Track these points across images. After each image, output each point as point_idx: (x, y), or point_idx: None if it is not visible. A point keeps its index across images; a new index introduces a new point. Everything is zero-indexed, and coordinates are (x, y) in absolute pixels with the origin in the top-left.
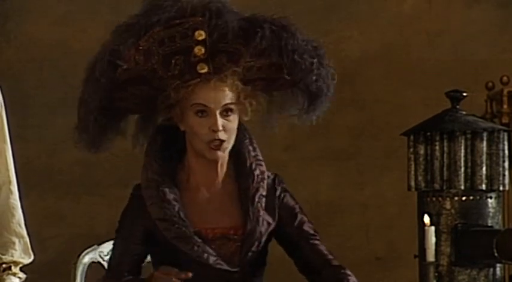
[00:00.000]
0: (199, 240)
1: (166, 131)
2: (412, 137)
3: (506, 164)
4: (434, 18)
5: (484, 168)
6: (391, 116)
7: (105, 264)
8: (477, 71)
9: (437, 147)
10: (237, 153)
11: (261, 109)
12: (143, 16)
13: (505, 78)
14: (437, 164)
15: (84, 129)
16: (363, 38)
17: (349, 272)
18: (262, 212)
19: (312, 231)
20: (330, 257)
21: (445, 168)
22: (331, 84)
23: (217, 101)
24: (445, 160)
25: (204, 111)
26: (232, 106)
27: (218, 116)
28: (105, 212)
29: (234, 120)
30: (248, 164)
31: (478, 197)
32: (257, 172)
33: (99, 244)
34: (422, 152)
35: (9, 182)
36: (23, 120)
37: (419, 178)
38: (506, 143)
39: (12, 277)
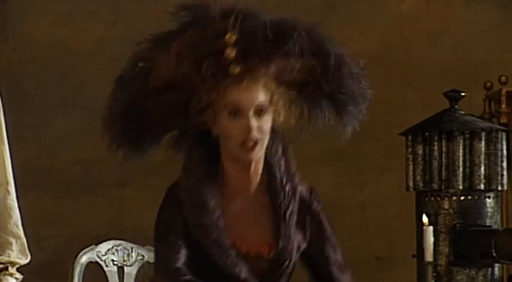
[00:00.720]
0: (234, 253)
1: (206, 139)
2: (410, 137)
3: (505, 164)
4: (433, 19)
5: (482, 168)
6: (391, 116)
7: (103, 264)
8: (477, 71)
9: (435, 147)
10: (269, 166)
11: (293, 113)
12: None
13: (503, 78)
14: (435, 163)
15: (112, 137)
16: (363, 38)
17: None
18: (293, 230)
19: (338, 260)
20: None
21: (443, 168)
22: (363, 95)
23: (249, 101)
24: (443, 160)
25: (237, 113)
26: (264, 106)
27: (251, 116)
28: (105, 212)
29: (267, 122)
30: (279, 179)
31: (476, 197)
32: (287, 188)
33: (97, 244)
34: (420, 151)
35: (7, 183)
36: (23, 120)
37: (418, 178)
38: (504, 143)
39: (9, 277)
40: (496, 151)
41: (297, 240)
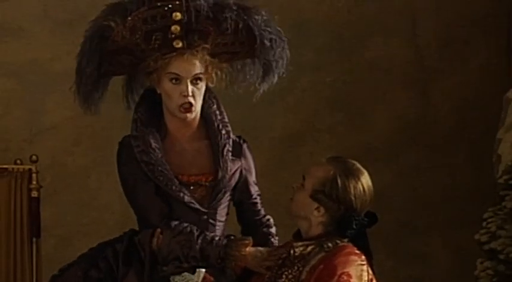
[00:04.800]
0: (177, 182)
1: (153, 94)
2: None
3: None
4: None
5: None
6: None
7: None
8: None
9: None
10: (206, 117)
11: (225, 78)
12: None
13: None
14: None
15: (79, 88)
16: None
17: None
18: (229, 164)
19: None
20: (263, 219)
21: None
22: (285, 61)
23: (188, 71)
24: None
25: (177, 79)
26: (200, 75)
27: (189, 83)
28: None
29: (201, 87)
30: (216, 125)
31: None
32: (223, 131)
33: None
34: None
35: None
36: None
37: None
38: None
39: None
40: None
41: (233, 175)
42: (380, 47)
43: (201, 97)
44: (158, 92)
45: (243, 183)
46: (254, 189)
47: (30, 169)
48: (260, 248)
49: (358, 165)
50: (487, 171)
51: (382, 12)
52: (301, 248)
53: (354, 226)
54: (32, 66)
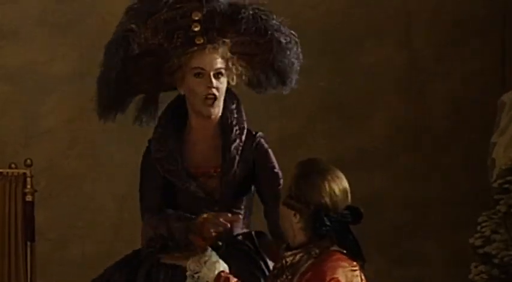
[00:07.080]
0: (185, 175)
1: (175, 109)
2: None
3: None
4: None
5: None
6: None
7: None
8: None
9: None
10: (223, 115)
11: (243, 74)
12: (149, 1)
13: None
14: None
15: (101, 97)
16: None
17: None
18: (237, 158)
19: (278, 176)
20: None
21: None
22: (299, 62)
23: (211, 64)
24: None
25: (201, 73)
26: (222, 70)
27: (212, 76)
28: None
29: (223, 82)
30: (229, 122)
31: None
32: (236, 128)
33: None
34: None
35: None
36: None
37: None
38: None
39: None
40: None
41: (240, 167)
42: (375, 50)
43: (223, 93)
44: (182, 93)
45: (261, 171)
46: (274, 180)
47: (24, 173)
48: (215, 213)
49: (330, 166)
50: (482, 175)
51: (377, 16)
52: (291, 258)
53: (328, 222)
54: (27, 70)
